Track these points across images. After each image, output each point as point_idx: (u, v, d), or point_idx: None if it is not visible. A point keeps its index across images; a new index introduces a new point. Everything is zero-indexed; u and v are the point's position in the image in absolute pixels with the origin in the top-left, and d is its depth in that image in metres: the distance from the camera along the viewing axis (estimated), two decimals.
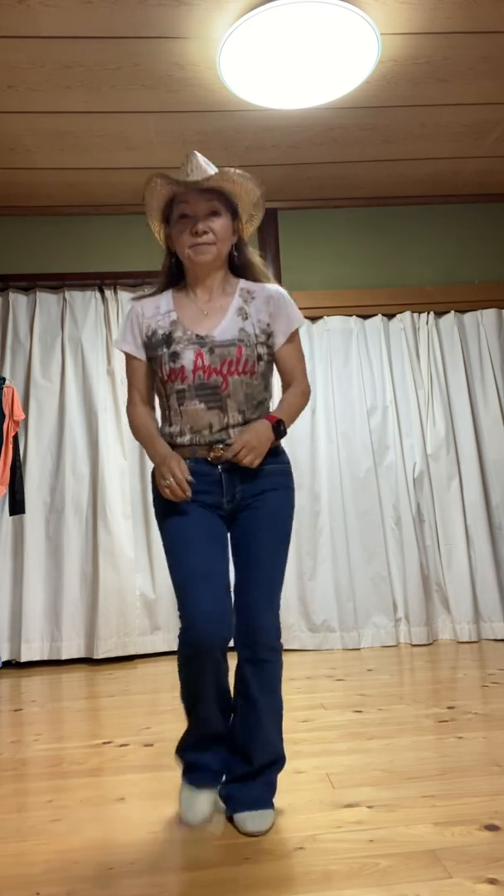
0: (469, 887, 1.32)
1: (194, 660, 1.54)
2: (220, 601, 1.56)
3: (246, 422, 1.68)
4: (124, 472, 3.71)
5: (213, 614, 1.52)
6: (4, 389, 3.46)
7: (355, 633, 3.57)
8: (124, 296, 3.87)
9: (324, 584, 3.64)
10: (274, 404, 1.79)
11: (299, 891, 1.34)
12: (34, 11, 2.47)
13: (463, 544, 3.67)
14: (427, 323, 3.95)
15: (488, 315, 3.97)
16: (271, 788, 1.68)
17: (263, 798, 1.65)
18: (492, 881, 1.34)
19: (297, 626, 3.60)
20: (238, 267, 1.79)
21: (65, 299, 3.85)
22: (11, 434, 3.48)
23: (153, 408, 1.77)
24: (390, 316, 3.98)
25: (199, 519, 1.63)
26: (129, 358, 1.76)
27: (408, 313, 3.95)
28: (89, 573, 3.62)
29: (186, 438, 1.66)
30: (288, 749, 2.09)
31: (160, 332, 1.70)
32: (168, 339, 1.68)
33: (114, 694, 2.90)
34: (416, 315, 3.97)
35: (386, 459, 3.80)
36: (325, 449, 3.78)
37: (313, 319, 3.95)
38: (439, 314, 3.99)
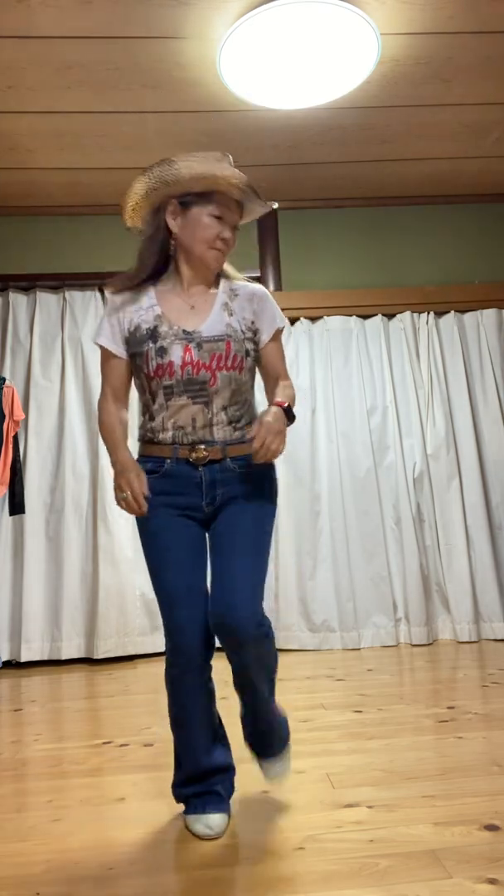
0: (469, 887, 1.32)
1: (182, 675, 1.60)
2: (203, 619, 1.58)
3: (230, 421, 1.64)
4: None
5: (198, 634, 1.57)
6: (4, 389, 3.46)
7: (355, 633, 3.57)
8: None
9: (324, 584, 3.64)
10: (257, 408, 1.76)
11: (299, 891, 1.34)
12: (34, 11, 2.47)
13: (463, 544, 3.67)
14: (427, 323, 3.95)
15: (488, 315, 3.97)
16: (284, 738, 1.75)
17: (278, 747, 1.73)
18: (492, 881, 1.34)
19: (297, 626, 3.60)
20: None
21: (65, 299, 3.85)
22: (11, 434, 3.47)
23: (126, 406, 1.72)
24: (390, 316, 3.98)
25: (179, 531, 1.61)
26: (107, 353, 1.69)
27: (408, 313, 3.95)
28: (89, 573, 3.62)
29: (169, 435, 1.63)
30: None
31: (144, 326, 1.64)
32: (154, 334, 1.63)
33: (114, 694, 2.90)
34: (416, 315, 3.97)
35: (386, 459, 3.79)
36: (325, 449, 3.78)
37: (313, 319, 3.95)
38: (439, 314, 3.99)
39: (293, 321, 3.94)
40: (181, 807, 1.71)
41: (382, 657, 3.33)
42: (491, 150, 3.64)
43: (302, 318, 3.92)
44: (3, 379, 3.49)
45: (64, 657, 3.50)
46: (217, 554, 1.61)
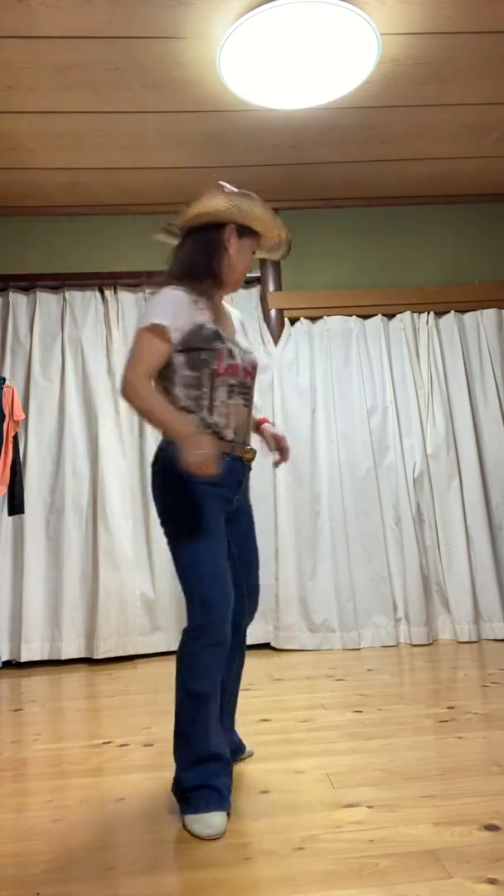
0: (469, 887, 1.32)
1: (213, 648, 1.67)
2: (233, 598, 1.78)
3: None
4: (124, 472, 3.71)
5: (230, 610, 1.71)
6: (4, 389, 3.46)
7: (355, 633, 3.57)
8: (124, 296, 3.88)
9: (324, 584, 3.63)
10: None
11: (299, 891, 1.34)
12: (34, 11, 2.47)
13: (463, 544, 3.67)
14: (427, 323, 3.95)
15: (488, 315, 3.97)
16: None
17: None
18: (492, 881, 1.34)
19: (297, 626, 3.60)
20: None
21: (65, 299, 3.85)
22: (11, 434, 3.48)
23: None
24: (390, 316, 3.98)
25: (222, 520, 1.76)
26: (161, 334, 1.71)
27: (408, 313, 3.94)
28: (89, 573, 3.62)
29: (231, 433, 1.79)
30: (288, 749, 2.11)
31: (208, 326, 1.76)
32: (220, 336, 1.77)
33: (114, 694, 2.90)
34: (416, 315, 3.97)
35: (386, 459, 3.79)
36: (325, 449, 3.78)
37: (313, 319, 3.94)
38: (439, 314, 3.99)
39: (293, 321, 3.94)
40: (181, 807, 1.71)
41: (382, 657, 3.33)
42: (491, 150, 3.64)
43: (302, 318, 3.92)
44: (3, 379, 3.49)
45: (64, 657, 3.50)
46: (245, 551, 1.93)
